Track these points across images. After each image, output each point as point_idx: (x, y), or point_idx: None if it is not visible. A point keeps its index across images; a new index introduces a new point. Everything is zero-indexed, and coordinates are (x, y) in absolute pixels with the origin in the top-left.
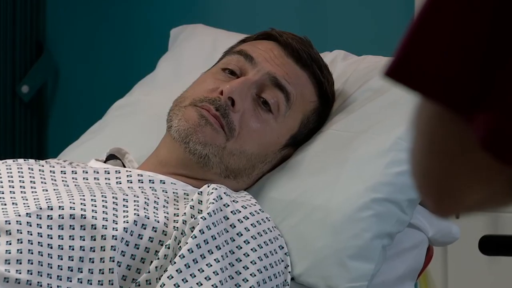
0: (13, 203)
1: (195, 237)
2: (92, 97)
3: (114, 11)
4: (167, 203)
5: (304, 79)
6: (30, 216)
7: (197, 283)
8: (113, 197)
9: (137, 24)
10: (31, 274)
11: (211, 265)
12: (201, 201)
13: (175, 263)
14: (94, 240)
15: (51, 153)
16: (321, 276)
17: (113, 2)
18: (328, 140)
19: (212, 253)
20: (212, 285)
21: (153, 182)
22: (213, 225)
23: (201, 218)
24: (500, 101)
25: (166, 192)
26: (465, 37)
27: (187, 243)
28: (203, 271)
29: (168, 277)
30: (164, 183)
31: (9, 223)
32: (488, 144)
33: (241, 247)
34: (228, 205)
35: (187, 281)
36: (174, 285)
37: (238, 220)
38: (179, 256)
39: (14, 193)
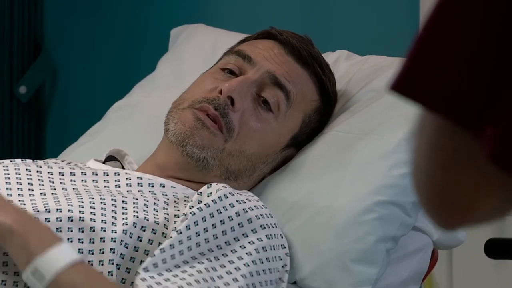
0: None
1: (180, 232)
2: (91, 98)
3: (113, 10)
4: (167, 204)
5: (304, 77)
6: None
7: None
8: (111, 199)
9: (137, 24)
10: None
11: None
12: (201, 201)
13: (154, 255)
14: (93, 243)
15: (49, 155)
16: (324, 280)
17: (113, 1)
18: (331, 142)
19: (200, 245)
20: (196, 271)
21: (152, 186)
22: (202, 220)
23: (190, 213)
24: (506, 113)
25: (166, 195)
26: (471, 51)
27: (171, 236)
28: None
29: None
30: (163, 186)
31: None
32: (496, 157)
33: (238, 239)
34: (233, 195)
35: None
36: (157, 274)
37: (243, 209)
38: (160, 249)
39: (11, 196)
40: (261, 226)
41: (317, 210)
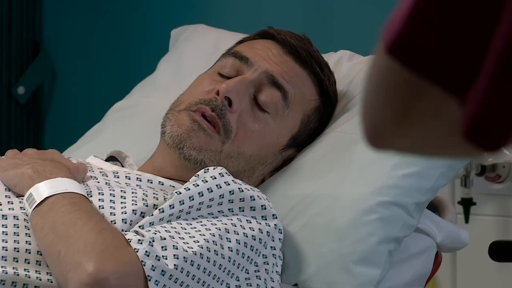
0: (8, 202)
1: (162, 211)
2: (90, 99)
3: (113, 9)
4: (167, 194)
5: (303, 77)
6: (18, 219)
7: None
8: (110, 194)
9: (137, 24)
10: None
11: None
12: (198, 185)
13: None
14: None
15: None
16: (326, 282)
17: (112, 0)
18: (333, 142)
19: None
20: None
21: (151, 182)
22: (189, 199)
23: (184, 188)
24: (476, 89)
25: (166, 192)
26: (460, 19)
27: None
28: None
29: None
30: (162, 184)
31: (6, 218)
32: (468, 133)
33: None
34: (229, 175)
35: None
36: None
37: (239, 189)
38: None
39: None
40: (251, 207)
41: (318, 211)
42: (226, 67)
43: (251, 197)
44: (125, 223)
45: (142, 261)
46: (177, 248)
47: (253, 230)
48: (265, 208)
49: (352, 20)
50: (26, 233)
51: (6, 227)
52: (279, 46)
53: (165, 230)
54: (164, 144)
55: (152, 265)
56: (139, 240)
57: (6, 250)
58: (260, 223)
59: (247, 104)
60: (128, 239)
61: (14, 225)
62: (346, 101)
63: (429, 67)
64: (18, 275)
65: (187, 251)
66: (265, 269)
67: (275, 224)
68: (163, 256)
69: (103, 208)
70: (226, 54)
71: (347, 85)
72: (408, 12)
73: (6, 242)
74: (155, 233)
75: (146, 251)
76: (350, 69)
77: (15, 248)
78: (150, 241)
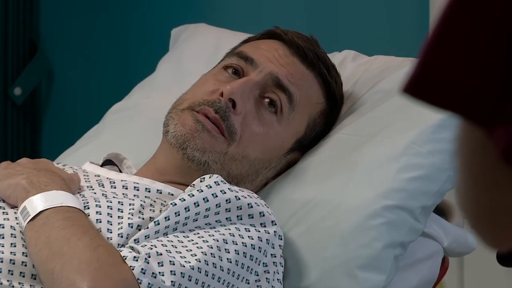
0: (3, 212)
1: (162, 220)
2: (88, 100)
3: (111, 8)
4: (163, 206)
5: (310, 79)
6: (15, 229)
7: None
8: (108, 206)
9: (136, 23)
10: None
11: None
12: (193, 195)
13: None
14: None
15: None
16: None
17: None
18: (337, 145)
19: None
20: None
21: (149, 191)
22: (185, 210)
23: (180, 199)
24: None
25: (164, 201)
26: (483, 46)
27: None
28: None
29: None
30: (160, 193)
31: (3, 227)
32: (508, 156)
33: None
34: (225, 183)
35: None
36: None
37: (236, 197)
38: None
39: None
40: (249, 215)
41: (322, 215)
42: (231, 65)
43: (248, 204)
44: (122, 237)
45: (138, 279)
46: (174, 264)
47: (252, 239)
48: (264, 215)
49: (356, 19)
50: (23, 244)
51: (3, 237)
52: (286, 47)
53: (162, 244)
54: (167, 144)
55: (149, 283)
56: (134, 257)
57: (2, 261)
58: (259, 231)
59: (252, 107)
60: (124, 256)
61: (11, 234)
62: (351, 102)
63: (448, 99)
64: (13, 287)
65: (184, 266)
66: (266, 278)
67: (274, 231)
68: (159, 272)
69: (100, 221)
70: (230, 54)
71: (352, 85)
72: (419, 56)
73: (3, 253)
74: (151, 248)
75: (142, 269)
76: (354, 69)
77: (11, 260)
78: (146, 258)
